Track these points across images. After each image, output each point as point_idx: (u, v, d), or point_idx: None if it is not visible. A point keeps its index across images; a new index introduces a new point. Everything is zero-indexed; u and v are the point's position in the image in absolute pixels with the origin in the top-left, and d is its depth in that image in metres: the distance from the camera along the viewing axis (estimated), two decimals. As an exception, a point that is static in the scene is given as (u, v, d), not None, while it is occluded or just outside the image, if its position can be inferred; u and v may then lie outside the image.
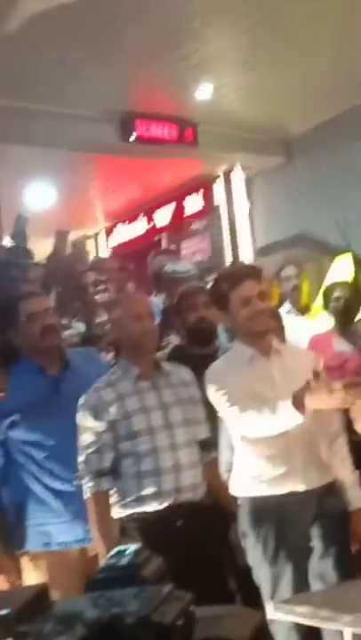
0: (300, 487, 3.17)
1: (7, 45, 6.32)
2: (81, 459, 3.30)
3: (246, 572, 3.44)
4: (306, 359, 3.41)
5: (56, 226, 8.98)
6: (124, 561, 1.14)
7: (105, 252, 12.19)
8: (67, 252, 7.83)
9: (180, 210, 10.27)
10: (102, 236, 12.61)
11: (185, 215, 9.84)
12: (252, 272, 3.47)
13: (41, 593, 1.10)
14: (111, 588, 1.09)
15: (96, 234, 12.66)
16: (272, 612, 2.43)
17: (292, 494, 3.16)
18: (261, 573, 3.21)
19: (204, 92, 7.73)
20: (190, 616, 1.06)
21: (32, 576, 3.50)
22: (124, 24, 6.34)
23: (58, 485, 3.50)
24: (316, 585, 3.13)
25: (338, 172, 8.35)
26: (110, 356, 4.38)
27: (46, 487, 3.52)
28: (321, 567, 3.15)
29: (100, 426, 3.29)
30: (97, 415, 3.29)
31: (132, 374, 3.38)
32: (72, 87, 7.13)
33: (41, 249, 8.28)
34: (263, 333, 3.33)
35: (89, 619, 1.02)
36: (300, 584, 3.12)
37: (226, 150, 9.09)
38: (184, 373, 3.54)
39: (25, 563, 3.54)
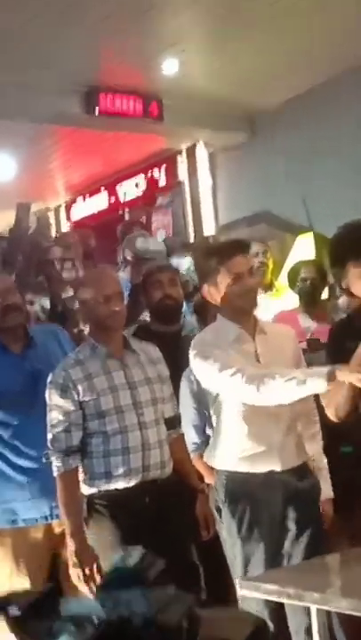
0: (278, 466, 3.20)
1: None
2: (49, 437, 3.30)
3: (210, 546, 3.52)
4: (288, 337, 3.42)
5: (15, 198, 8.90)
6: (129, 564, 1.16)
7: (66, 226, 12.10)
8: (29, 224, 7.75)
9: (149, 184, 10.17)
10: (63, 210, 12.51)
11: (149, 190, 9.79)
12: (242, 246, 3.40)
13: (50, 593, 1.13)
14: (117, 590, 1.11)
15: (57, 207, 12.55)
16: (239, 589, 2.47)
17: (270, 473, 3.19)
18: (234, 549, 3.25)
19: (169, 66, 7.67)
20: (194, 617, 1.08)
21: (-2, 552, 3.52)
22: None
23: (23, 463, 3.51)
24: (292, 560, 3.17)
25: (301, 150, 8.36)
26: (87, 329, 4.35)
27: (12, 465, 3.52)
28: (295, 548, 3.19)
29: (68, 404, 3.29)
30: (65, 394, 3.29)
31: (100, 353, 3.38)
32: (36, 59, 7.01)
33: (0, 221, 8.21)
34: (250, 311, 3.30)
35: (97, 619, 1.04)
36: (272, 563, 3.16)
37: (190, 126, 9.04)
38: (152, 351, 3.54)
39: (-10, 540, 3.54)
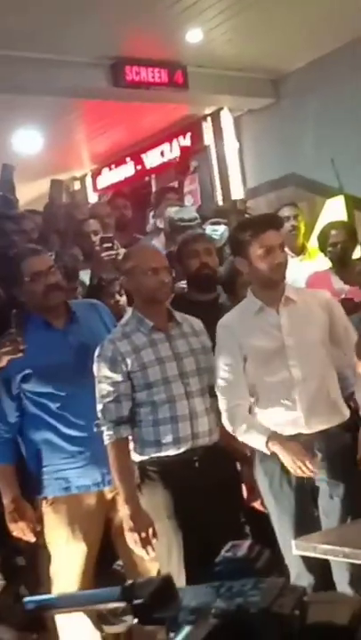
0: (305, 430, 3.34)
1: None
2: (99, 407, 3.41)
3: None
4: (320, 305, 3.50)
5: (42, 170, 8.98)
6: (239, 554, 1.26)
7: (94, 195, 12.15)
8: (62, 200, 7.80)
9: (181, 152, 10.13)
10: (89, 179, 12.54)
11: (181, 157, 9.71)
12: (275, 221, 3.54)
13: (167, 583, 1.23)
14: (228, 579, 1.20)
15: (83, 176, 12.59)
16: (295, 550, 2.59)
17: (297, 435, 3.33)
18: (268, 506, 3.43)
19: (193, 35, 7.66)
20: (304, 606, 1.17)
21: (52, 520, 3.65)
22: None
23: (73, 432, 3.62)
24: (325, 522, 3.30)
25: (328, 110, 8.31)
26: (123, 299, 4.46)
27: (62, 435, 3.63)
28: (330, 506, 3.32)
29: (117, 376, 3.39)
30: (113, 366, 3.40)
31: (146, 326, 3.47)
32: (60, 34, 7.01)
33: (26, 192, 8.27)
34: (278, 283, 3.43)
35: (217, 609, 1.13)
36: (303, 518, 3.31)
37: (215, 92, 9.02)
38: (195, 323, 3.64)
39: (45, 508, 3.67)
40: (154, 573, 3.52)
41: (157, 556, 3.41)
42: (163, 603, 1.18)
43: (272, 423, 3.35)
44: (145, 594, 1.21)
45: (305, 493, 3.35)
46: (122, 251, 4.82)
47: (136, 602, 1.22)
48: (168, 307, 3.63)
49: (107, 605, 1.33)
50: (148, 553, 3.36)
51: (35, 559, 3.95)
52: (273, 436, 3.25)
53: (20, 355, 3.50)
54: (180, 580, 3.23)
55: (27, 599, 1.38)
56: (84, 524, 3.62)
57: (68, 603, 1.46)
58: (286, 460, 3.20)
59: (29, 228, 5.99)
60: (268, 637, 1.11)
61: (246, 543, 1.27)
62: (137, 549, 3.37)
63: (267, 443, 3.25)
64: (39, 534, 3.69)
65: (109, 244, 4.90)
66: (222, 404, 3.40)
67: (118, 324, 3.66)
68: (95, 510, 3.67)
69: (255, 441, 3.32)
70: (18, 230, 5.80)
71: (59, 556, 3.66)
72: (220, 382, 3.41)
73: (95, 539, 3.67)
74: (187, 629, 1.09)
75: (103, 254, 4.83)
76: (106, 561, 3.86)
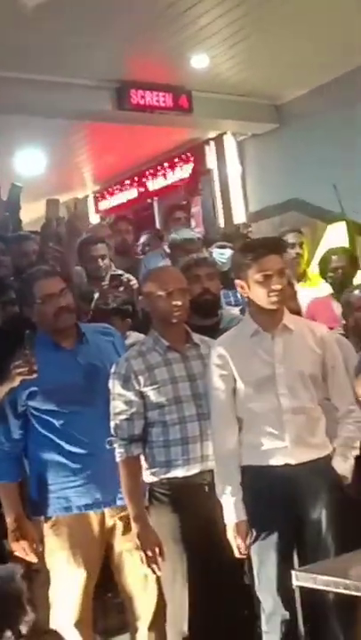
0: (291, 460, 3.30)
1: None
2: (112, 424, 3.42)
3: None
4: (316, 338, 3.45)
5: (45, 190, 9.02)
6: None
7: (94, 216, 12.21)
8: (59, 219, 7.81)
9: (192, 172, 10.18)
10: (91, 200, 12.61)
11: (191, 178, 9.79)
12: (277, 246, 3.48)
13: None
14: None
15: (85, 197, 12.66)
16: (295, 581, 2.57)
17: (284, 466, 3.29)
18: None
19: (198, 61, 7.76)
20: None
21: (53, 543, 3.60)
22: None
23: (75, 449, 3.58)
24: (312, 558, 3.22)
25: (330, 137, 8.38)
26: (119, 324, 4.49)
27: (65, 452, 3.60)
28: (320, 539, 3.28)
29: (130, 394, 3.41)
30: (126, 384, 3.41)
31: (161, 345, 3.49)
32: (66, 56, 7.11)
33: (28, 213, 8.31)
34: (274, 309, 3.37)
35: None
36: (282, 546, 3.28)
37: (219, 116, 9.13)
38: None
39: (46, 530, 3.63)
40: (152, 605, 3.52)
41: (162, 579, 3.41)
42: None
43: (258, 452, 3.33)
44: None
45: (288, 525, 3.30)
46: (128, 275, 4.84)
47: None
48: (186, 328, 3.62)
49: None
50: (153, 571, 3.36)
51: (30, 583, 3.90)
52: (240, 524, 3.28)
53: (34, 375, 3.50)
54: (183, 605, 3.28)
55: None
56: (84, 549, 3.58)
57: None
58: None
59: (31, 249, 5.99)
60: None
61: None
62: (143, 568, 3.37)
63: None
64: (40, 555, 3.66)
65: (118, 282, 4.94)
66: (213, 436, 3.40)
67: (137, 343, 3.68)
68: (96, 535, 3.62)
69: (226, 501, 3.31)
70: (21, 253, 5.81)
71: (58, 580, 3.61)
72: (211, 408, 3.40)
73: (95, 564, 3.62)
74: None
75: (110, 290, 4.87)
76: (103, 586, 3.83)
